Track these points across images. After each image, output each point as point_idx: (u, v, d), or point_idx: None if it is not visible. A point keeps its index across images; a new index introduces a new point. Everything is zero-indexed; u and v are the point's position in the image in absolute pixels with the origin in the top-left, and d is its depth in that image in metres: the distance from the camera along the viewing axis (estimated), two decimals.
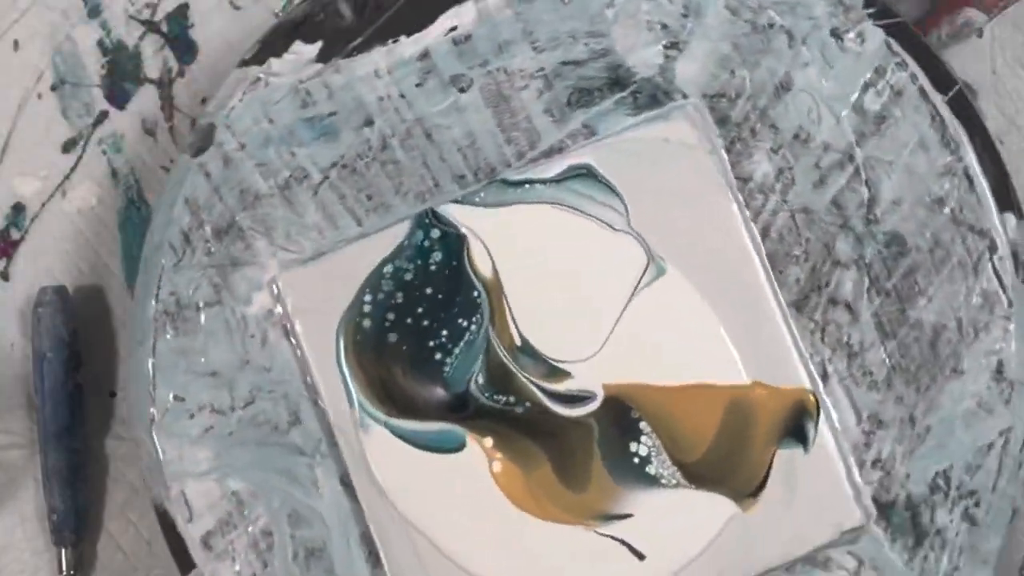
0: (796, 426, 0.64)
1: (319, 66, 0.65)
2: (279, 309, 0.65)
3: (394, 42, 0.65)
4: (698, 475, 0.64)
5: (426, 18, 0.65)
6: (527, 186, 0.65)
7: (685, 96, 0.65)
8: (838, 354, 0.65)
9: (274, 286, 0.65)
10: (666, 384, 0.64)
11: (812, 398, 0.65)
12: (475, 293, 0.65)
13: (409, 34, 0.65)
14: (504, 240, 0.65)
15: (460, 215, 0.65)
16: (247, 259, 0.65)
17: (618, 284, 0.65)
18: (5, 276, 0.72)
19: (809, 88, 0.65)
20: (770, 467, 0.64)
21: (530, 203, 0.65)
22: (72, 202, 0.72)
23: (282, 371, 0.65)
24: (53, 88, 0.73)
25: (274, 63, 0.65)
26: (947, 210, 0.65)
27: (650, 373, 0.64)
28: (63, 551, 0.70)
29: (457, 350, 0.64)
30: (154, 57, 0.73)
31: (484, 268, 0.65)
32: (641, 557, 0.64)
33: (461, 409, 0.64)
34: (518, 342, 0.64)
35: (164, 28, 0.72)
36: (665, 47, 0.65)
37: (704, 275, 0.65)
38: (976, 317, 0.65)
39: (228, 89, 0.65)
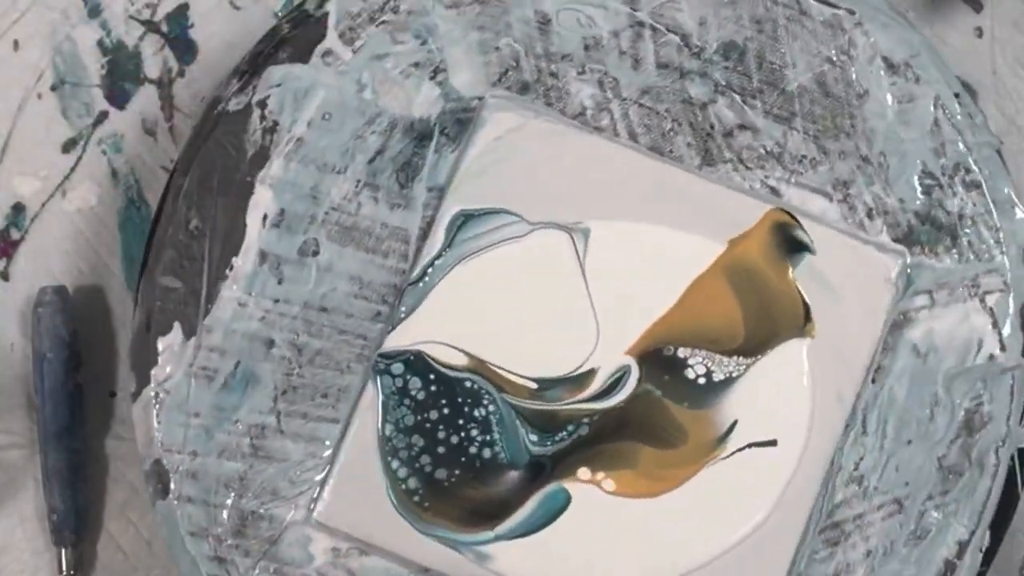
0: (790, 242, 0.72)
1: (192, 340, 0.72)
2: (339, 541, 0.71)
3: (231, 270, 0.72)
4: (755, 347, 0.72)
5: (237, 232, 0.72)
6: (430, 271, 0.72)
7: (480, 99, 0.73)
8: (768, 166, 0.73)
9: (318, 529, 0.71)
10: (669, 306, 0.72)
11: (781, 212, 0.72)
12: (468, 383, 0.72)
13: (236, 254, 0.72)
14: (450, 324, 0.72)
15: (402, 340, 0.72)
16: (278, 529, 0.71)
17: (565, 271, 0.72)
18: (5, 276, 0.78)
19: (562, 6, 0.74)
20: (799, 289, 0.72)
21: (444, 277, 0.72)
22: (72, 202, 0.79)
23: None
24: (53, 88, 0.79)
25: (156, 373, 0.72)
26: None
27: (651, 311, 0.72)
28: (63, 551, 0.76)
29: (496, 435, 0.72)
30: (154, 57, 0.79)
31: (457, 359, 0.72)
32: (773, 443, 0.71)
33: (540, 471, 0.71)
34: (534, 385, 0.72)
35: (164, 28, 0.79)
36: (431, 78, 0.73)
37: (618, 205, 0.73)
38: (837, 45, 0.73)
39: (143, 424, 0.72)
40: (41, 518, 0.78)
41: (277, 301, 0.73)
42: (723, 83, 0.74)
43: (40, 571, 0.78)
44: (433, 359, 0.73)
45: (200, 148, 0.73)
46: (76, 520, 0.77)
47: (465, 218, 0.74)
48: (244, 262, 0.73)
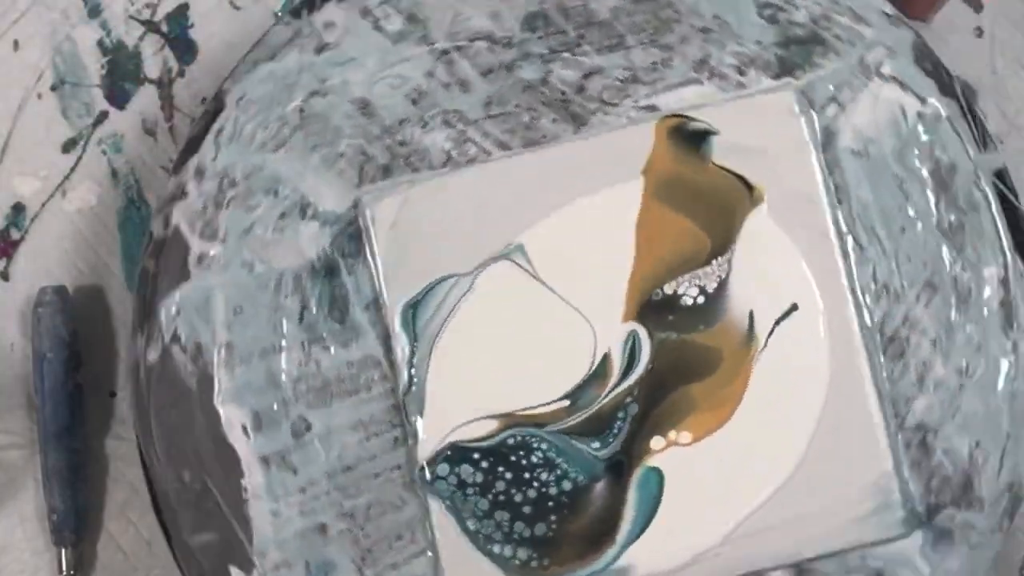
0: (691, 136, 0.75)
1: (253, 572, 0.74)
2: None
3: (247, 492, 0.74)
4: (723, 243, 0.75)
5: (231, 457, 0.74)
6: (414, 371, 0.75)
7: (355, 205, 0.76)
8: (631, 91, 0.76)
9: None
10: (632, 258, 0.75)
11: (668, 118, 0.76)
12: (511, 440, 0.74)
13: (242, 476, 0.74)
14: (461, 402, 0.75)
15: (429, 444, 0.74)
16: None
17: (526, 291, 0.75)
18: (5, 276, 0.79)
19: (371, 82, 0.77)
20: (727, 169, 0.75)
21: (429, 367, 0.75)
22: (72, 202, 0.80)
23: None
24: (53, 88, 0.80)
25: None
26: None
27: (620, 272, 0.75)
28: (63, 551, 0.77)
29: (564, 465, 0.74)
30: (154, 57, 0.80)
31: (487, 428, 0.74)
32: (795, 308, 0.74)
33: (621, 469, 0.74)
34: (567, 403, 0.74)
35: (164, 28, 0.81)
36: (304, 218, 0.76)
37: (532, 209, 0.76)
38: None
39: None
40: (41, 518, 0.79)
41: (304, 490, 0.75)
42: (546, 51, 0.77)
43: (40, 571, 0.80)
44: (468, 442, 0.75)
45: (149, 414, 0.75)
46: (76, 520, 0.79)
47: (413, 307, 0.76)
48: (253, 477, 0.75)
